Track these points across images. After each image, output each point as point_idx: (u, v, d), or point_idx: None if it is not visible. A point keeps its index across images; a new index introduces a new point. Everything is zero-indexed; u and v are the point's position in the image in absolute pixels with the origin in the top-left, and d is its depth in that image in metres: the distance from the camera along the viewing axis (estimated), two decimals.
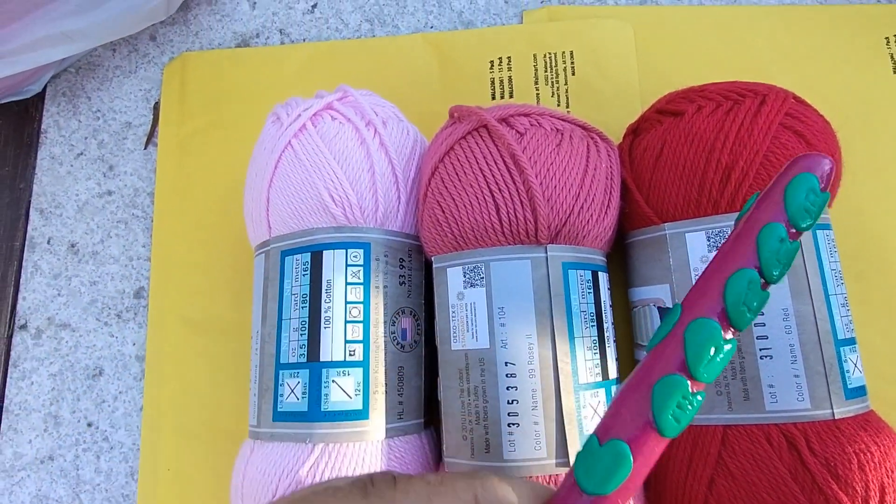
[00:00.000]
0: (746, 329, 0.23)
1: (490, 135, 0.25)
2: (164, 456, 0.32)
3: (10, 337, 0.36)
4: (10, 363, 0.35)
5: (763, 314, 0.24)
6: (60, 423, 0.34)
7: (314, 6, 0.39)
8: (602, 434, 0.16)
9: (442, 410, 0.25)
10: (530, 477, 0.23)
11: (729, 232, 0.25)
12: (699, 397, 0.16)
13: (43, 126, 0.39)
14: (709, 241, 0.25)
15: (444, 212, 0.25)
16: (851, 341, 0.25)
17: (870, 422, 0.24)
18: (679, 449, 0.25)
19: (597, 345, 0.25)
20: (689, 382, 0.15)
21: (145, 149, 0.38)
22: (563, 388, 0.23)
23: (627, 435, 0.15)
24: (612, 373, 0.25)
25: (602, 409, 0.24)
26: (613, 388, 0.25)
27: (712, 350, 0.15)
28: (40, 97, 0.39)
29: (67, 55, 0.34)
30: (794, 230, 0.16)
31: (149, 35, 0.40)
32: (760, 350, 0.24)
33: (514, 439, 0.23)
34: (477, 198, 0.24)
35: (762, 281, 0.16)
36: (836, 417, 0.23)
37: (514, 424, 0.23)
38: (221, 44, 0.39)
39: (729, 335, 0.16)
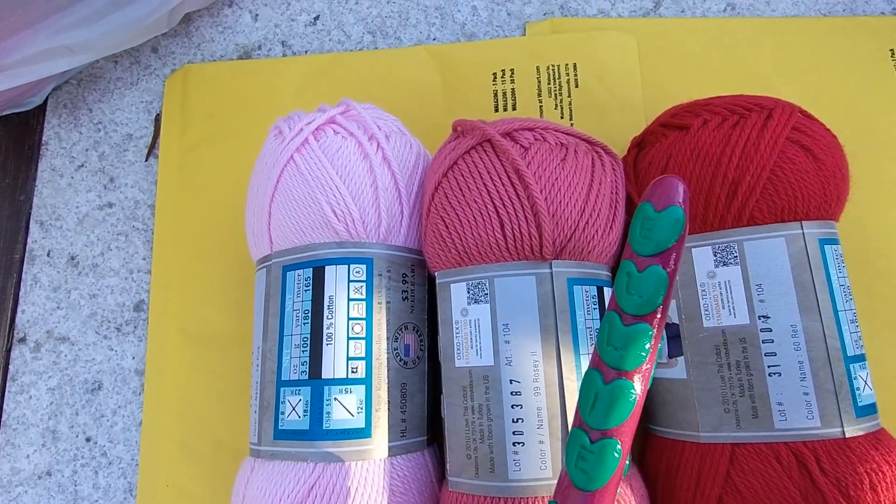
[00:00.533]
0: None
1: (494, 149, 0.25)
2: (164, 471, 0.32)
3: (8, 350, 0.36)
4: (8, 377, 0.35)
5: (771, 330, 0.24)
6: (59, 437, 0.34)
7: (316, 18, 0.39)
8: (553, 496, 0.17)
9: (446, 428, 0.25)
10: (535, 498, 0.22)
11: (736, 248, 0.25)
12: (605, 444, 0.16)
13: (44, 138, 0.39)
14: (715, 256, 0.25)
15: (447, 227, 0.25)
16: (861, 358, 0.24)
17: (881, 440, 0.23)
18: (687, 467, 0.25)
19: None
20: (584, 432, 0.16)
21: (146, 161, 0.38)
22: (568, 406, 0.23)
23: (560, 496, 0.16)
24: None
25: None
26: None
27: (594, 396, 0.16)
28: (41, 109, 0.39)
29: (69, 67, 0.34)
30: (644, 259, 0.16)
31: (150, 47, 0.40)
32: (769, 367, 0.24)
33: (519, 458, 0.23)
34: (481, 213, 0.24)
35: (624, 317, 0.16)
36: (846, 436, 0.23)
37: (519, 443, 0.23)
38: (223, 56, 0.39)
39: (619, 375, 0.16)
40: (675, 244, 0.16)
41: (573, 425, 0.17)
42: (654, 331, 0.16)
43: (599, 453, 0.16)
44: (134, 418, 0.34)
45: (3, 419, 0.35)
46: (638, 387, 0.16)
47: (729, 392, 0.24)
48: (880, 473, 0.22)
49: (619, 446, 0.16)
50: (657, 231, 0.16)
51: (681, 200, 0.16)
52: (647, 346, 0.16)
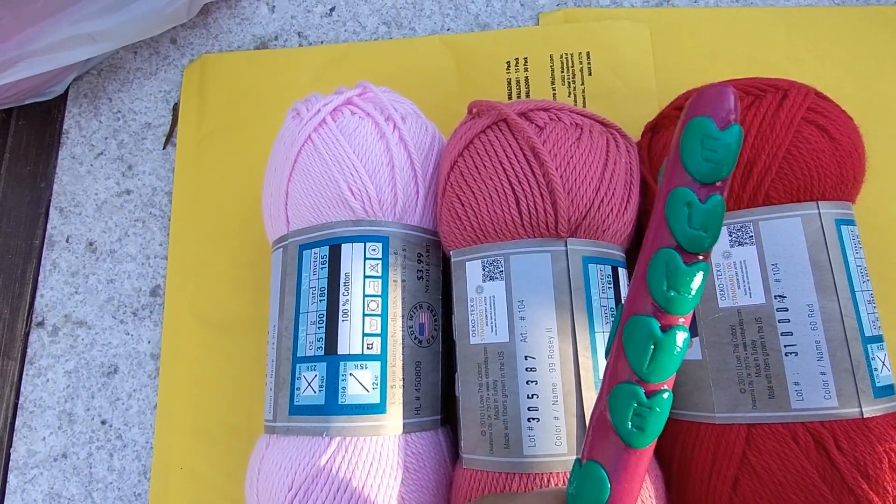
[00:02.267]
0: (768, 317, 0.23)
1: (510, 128, 0.25)
2: (178, 454, 0.32)
3: (27, 334, 0.36)
4: (26, 360, 0.36)
5: (787, 310, 0.24)
6: (74, 420, 0.34)
7: (332, 9, 0.40)
8: (582, 455, 0.15)
9: (460, 406, 0.25)
10: (550, 474, 0.22)
11: (752, 228, 0.25)
12: (664, 396, 0.15)
13: (65, 126, 0.40)
14: (730, 236, 0.25)
15: (463, 205, 0.25)
16: (879, 339, 0.24)
17: None
18: (702, 448, 0.25)
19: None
20: (640, 387, 0.14)
21: (164, 149, 0.38)
22: (583, 383, 0.23)
23: (601, 455, 0.15)
24: None
25: None
26: None
27: (652, 346, 0.14)
28: (62, 98, 0.40)
29: (91, 56, 0.35)
30: (702, 186, 0.14)
31: (169, 38, 0.40)
32: (785, 347, 0.24)
33: (533, 434, 0.23)
34: (497, 191, 0.24)
35: (684, 255, 0.14)
36: (864, 416, 0.23)
37: (534, 419, 0.23)
38: (240, 46, 0.40)
39: (677, 321, 0.14)
40: (734, 170, 0.14)
41: (619, 380, 0.15)
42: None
43: (659, 407, 0.14)
44: (149, 402, 0.34)
45: (20, 402, 0.35)
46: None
47: (745, 372, 0.24)
48: None
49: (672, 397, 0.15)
50: (721, 153, 0.14)
51: (737, 117, 0.14)
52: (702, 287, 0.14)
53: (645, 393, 0.14)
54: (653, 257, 0.15)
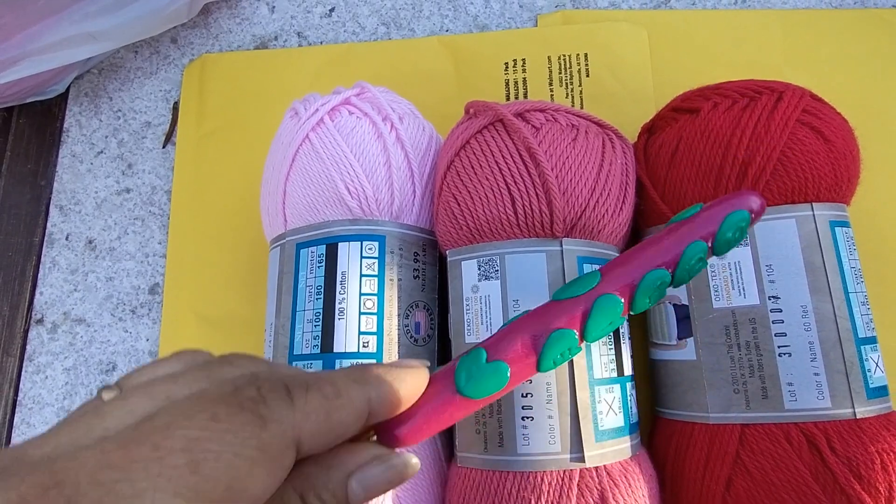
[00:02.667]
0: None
1: (506, 129, 0.25)
2: None
3: (26, 331, 0.36)
4: (25, 357, 0.36)
5: (781, 311, 0.24)
6: None
7: (332, 10, 0.40)
8: (491, 352, 0.18)
9: None
10: (544, 472, 0.22)
11: None
12: (580, 349, 0.19)
13: (65, 125, 0.40)
14: None
15: (459, 205, 0.25)
16: (872, 340, 0.24)
17: (892, 422, 0.23)
18: (696, 448, 0.25)
19: (612, 340, 0.25)
20: (577, 339, 0.18)
21: (163, 148, 0.38)
22: (577, 382, 0.23)
23: (513, 362, 0.18)
24: (627, 369, 0.25)
25: (617, 406, 0.24)
26: (628, 385, 0.25)
27: (608, 323, 0.18)
28: (63, 97, 0.40)
29: (92, 55, 0.35)
30: (712, 254, 0.19)
31: (170, 37, 0.41)
32: (779, 347, 0.24)
33: (527, 433, 0.23)
34: (493, 190, 0.24)
35: (669, 282, 0.19)
36: (857, 417, 0.23)
37: (528, 418, 0.23)
38: (240, 46, 0.40)
39: (625, 314, 0.19)
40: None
41: (557, 327, 0.18)
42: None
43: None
44: None
45: (19, 398, 0.35)
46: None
47: (738, 373, 0.24)
48: (892, 453, 0.22)
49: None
50: (740, 239, 0.19)
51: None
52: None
53: (578, 344, 0.18)
54: (654, 269, 0.18)
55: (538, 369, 0.18)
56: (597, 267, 0.23)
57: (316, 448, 0.14)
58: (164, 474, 0.11)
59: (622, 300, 0.18)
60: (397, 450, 0.16)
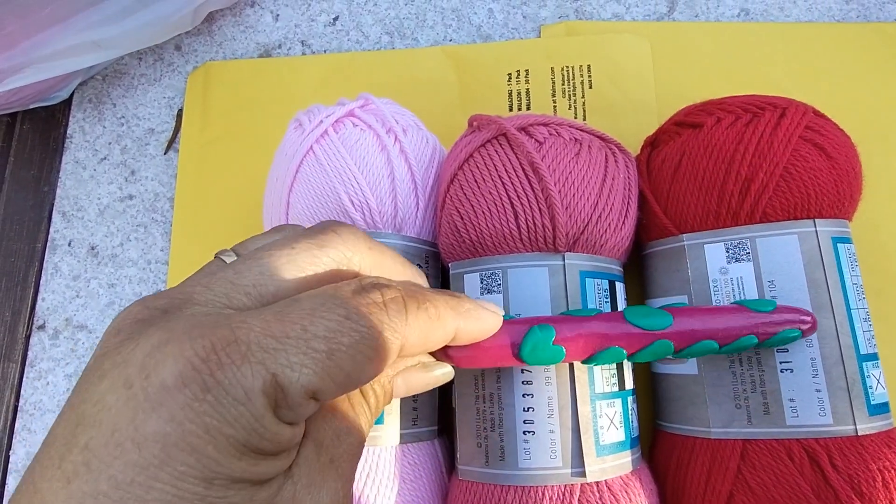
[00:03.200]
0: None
1: (509, 143, 0.25)
2: None
3: (27, 337, 0.36)
4: (27, 363, 0.36)
5: None
6: None
7: (335, 19, 0.40)
8: (559, 337, 0.20)
9: (456, 418, 0.25)
10: (545, 487, 0.22)
11: (749, 245, 0.25)
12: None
13: (69, 131, 0.40)
14: (727, 252, 0.25)
15: (462, 218, 0.25)
16: (874, 357, 0.24)
17: (893, 439, 0.23)
18: (697, 463, 0.25)
19: None
20: (625, 357, 0.21)
21: (165, 154, 0.39)
22: (579, 396, 0.23)
23: (569, 354, 0.21)
24: (629, 383, 0.25)
25: (618, 420, 0.24)
26: (630, 399, 0.25)
27: (652, 357, 0.22)
28: (67, 103, 0.40)
29: (96, 63, 0.35)
30: (756, 346, 0.22)
31: (174, 45, 0.41)
32: (781, 363, 0.24)
33: (529, 447, 0.23)
34: (496, 205, 0.24)
35: (716, 349, 0.22)
36: (859, 434, 0.23)
37: (529, 432, 0.23)
38: (244, 54, 0.40)
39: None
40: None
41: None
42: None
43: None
44: None
45: (20, 404, 0.35)
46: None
47: (740, 388, 0.24)
48: (893, 471, 0.22)
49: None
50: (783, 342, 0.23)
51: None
52: None
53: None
54: (705, 340, 0.22)
55: (583, 362, 0.21)
56: (668, 305, 0.23)
57: (409, 354, 0.17)
58: (309, 354, 0.14)
59: (673, 347, 0.21)
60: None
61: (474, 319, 0.18)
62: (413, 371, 0.19)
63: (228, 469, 0.13)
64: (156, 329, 0.14)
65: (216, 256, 0.17)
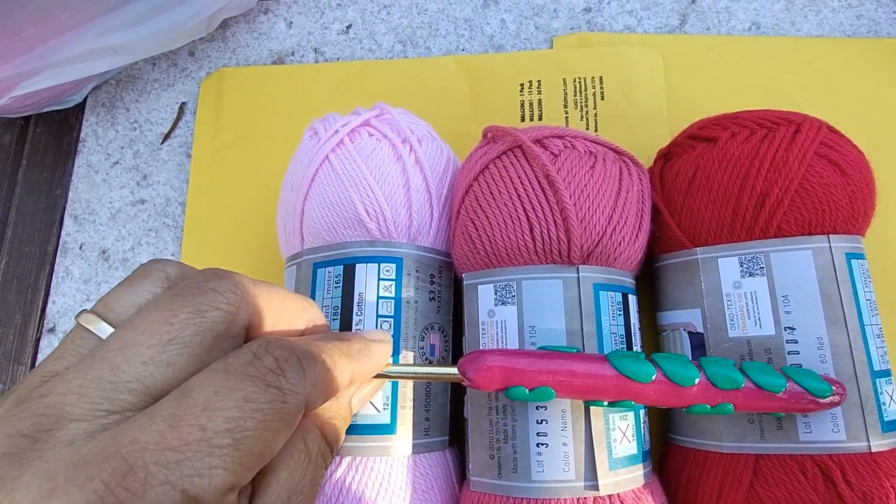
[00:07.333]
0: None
1: (525, 155, 0.25)
2: None
3: (38, 340, 0.36)
4: (37, 366, 0.36)
5: (796, 342, 0.24)
6: None
7: (349, 27, 0.40)
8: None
9: (469, 428, 0.25)
10: (558, 500, 0.22)
11: (763, 260, 0.25)
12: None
13: (82, 135, 0.40)
14: (741, 266, 0.25)
15: (477, 229, 0.25)
16: (887, 373, 0.24)
17: None
18: (709, 478, 0.25)
19: None
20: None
21: (161, 143, 0.39)
22: (592, 410, 0.23)
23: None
24: None
25: (631, 433, 0.24)
26: (642, 412, 0.25)
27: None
28: (80, 107, 0.41)
29: (111, 67, 0.35)
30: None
31: (188, 50, 0.41)
32: None
33: (542, 460, 0.23)
34: (511, 216, 0.24)
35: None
36: (872, 450, 0.23)
37: (542, 445, 0.23)
38: (257, 60, 0.40)
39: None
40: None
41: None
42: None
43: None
44: None
45: None
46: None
47: None
48: None
49: None
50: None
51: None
52: None
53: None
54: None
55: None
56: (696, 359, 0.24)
57: (312, 407, 0.16)
58: (214, 454, 0.13)
59: (708, 407, 0.22)
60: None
61: (366, 357, 0.19)
62: (361, 388, 0.19)
63: None
64: (31, 475, 0.12)
65: (78, 324, 0.15)
